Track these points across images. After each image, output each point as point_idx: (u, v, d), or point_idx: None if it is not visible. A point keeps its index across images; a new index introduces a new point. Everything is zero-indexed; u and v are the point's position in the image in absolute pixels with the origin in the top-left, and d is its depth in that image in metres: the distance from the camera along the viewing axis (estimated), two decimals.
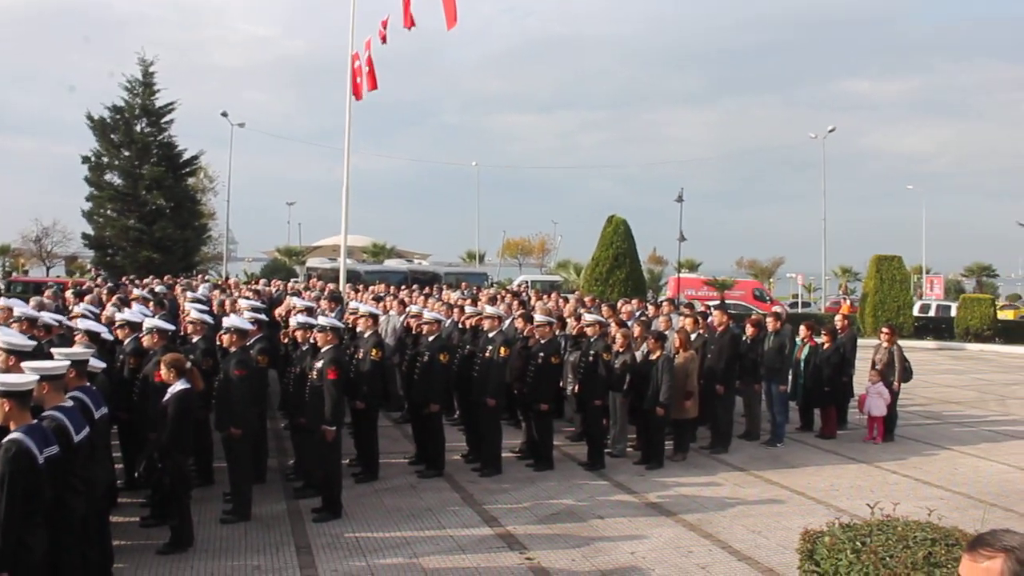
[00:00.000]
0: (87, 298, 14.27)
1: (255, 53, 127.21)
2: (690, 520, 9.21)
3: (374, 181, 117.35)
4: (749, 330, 13.42)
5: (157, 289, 16.60)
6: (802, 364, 14.01)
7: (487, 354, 10.95)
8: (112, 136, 42.70)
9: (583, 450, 11.81)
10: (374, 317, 10.82)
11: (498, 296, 19.03)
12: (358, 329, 10.90)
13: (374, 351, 10.18)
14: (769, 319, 13.94)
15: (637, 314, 15.50)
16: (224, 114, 46.88)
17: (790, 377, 13.80)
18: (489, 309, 11.91)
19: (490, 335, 11.15)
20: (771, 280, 61.69)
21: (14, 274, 43.61)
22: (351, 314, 11.99)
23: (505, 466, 11.06)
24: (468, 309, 13.10)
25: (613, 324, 12.41)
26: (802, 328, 14.36)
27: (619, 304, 17.50)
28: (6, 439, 5.05)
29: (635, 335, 12.31)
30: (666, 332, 12.69)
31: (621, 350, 11.80)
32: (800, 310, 46.67)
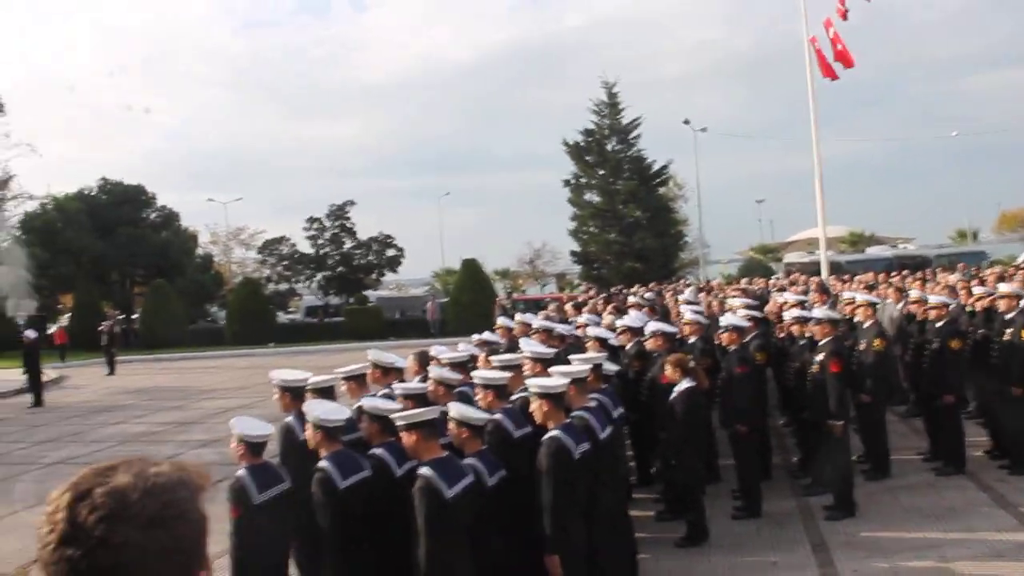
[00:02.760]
0: (585, 309, 15.26)
1: (701, 56, 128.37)
2: None
3: (842, 167, 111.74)
4: None
5: (646, 296, 17.32)
6: None
7: (1007, 337, 9.86)
8: (587, 158, 45.59)
9: None
10: (873, 306, 10.30)
11: (1005, 274, 17.16)
12: (856, 319, 10.44)
13: (877, 341, 9.67)
14: None
15: None
16: (686, 121, 47.92)
17: None
18: (1003, 287, 10.74)
19: (1007, 316, 10.04)
20: None
21: (514, 294, 48.12)
22: (847, 304, 11.52)
23: None
24: (976, 290, 11.93)
25: None
26: None
27: None
28: (547, 436, 5.54)
29: None
30: None
31: None
32: None
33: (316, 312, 46.18)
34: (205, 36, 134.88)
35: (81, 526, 1.19)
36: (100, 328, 32.45)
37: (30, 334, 23.86)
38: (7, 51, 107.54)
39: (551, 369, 6.45)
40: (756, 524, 8.56)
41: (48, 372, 24.40)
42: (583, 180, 46.01)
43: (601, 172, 45.32)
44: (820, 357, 8.70)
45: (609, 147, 45.44)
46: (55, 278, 44.33)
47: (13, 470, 14.02)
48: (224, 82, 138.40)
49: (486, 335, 10.27)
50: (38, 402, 22.40)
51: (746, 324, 9.49)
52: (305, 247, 50.01)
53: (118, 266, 47.49)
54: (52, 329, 39.69)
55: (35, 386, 22.66)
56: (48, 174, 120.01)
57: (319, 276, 50.03)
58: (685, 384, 7.87)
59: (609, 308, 14.39)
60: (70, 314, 44.75)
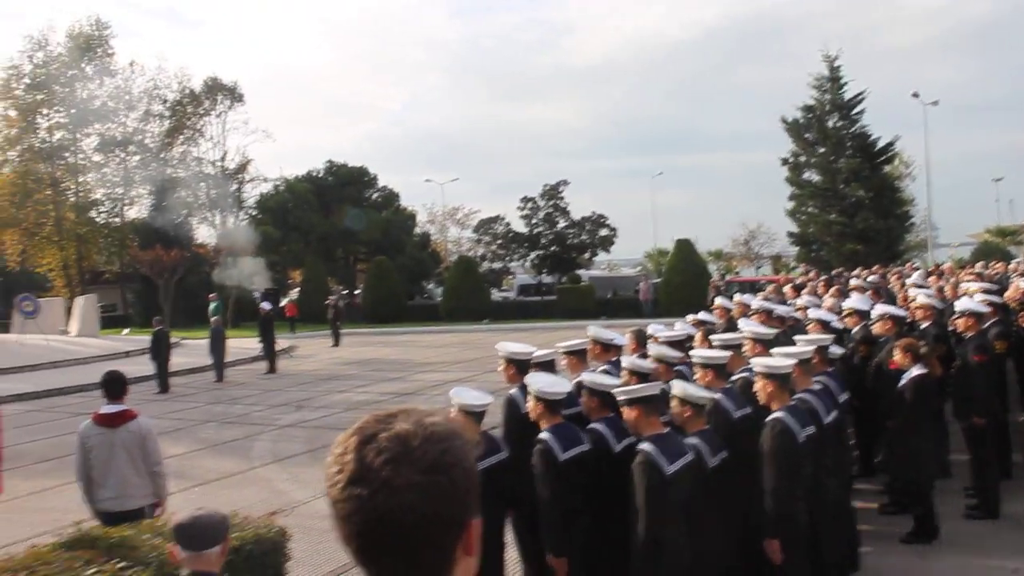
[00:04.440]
0: (804, 291, 14.76)
1: (930, 24, 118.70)
2: None
3: None
4: None
5: (870, 279, 16.55)
6: None
7: None
8: (806, 135, 43.89)
9: None
10: None
11: None
12: None
13: None
14: None
15: None
16: (915, 95, 45.09)
17: None
18: None
19: None
20: None
21: (727, 276, 47.12)
22: None
23: None
24: None
25: None
26: None
27: None
28: (771, 417, 5.40)
29: None
30: None
31: None
32: None
33: (529, 291, 46.97)
34: (421, 24, 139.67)
35: (369, 467, 1.26)
36: (326, 302, 34.43)
37: (266, 306, 25.64)
38: (247, 47, 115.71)
39: (775, 350, 6.27)
40: (993, 525, 7.99)
41: (280, 342, 26.11)
42: (802, 159, 44.36)
43: (821, 150, 43.52)
44: None
45: (830, 124, 43.50)
46: (286, 254, 47.37)
47: (252, 430, 15.13)
48: (440, 67, 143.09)
49: (702, 315, 10.11)
50: (272, 369, 24.10)
51: (985, 310, 8.85)
52: (519, 226, 51.04)
53: (342, 243, 50.11)
54: (283, 303, 42.51)
55: (269, 354, 24.40)
56: (281, 158, 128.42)
57: (532, 255, 50.90)
58: (915, 371, 7.46)
59: (832, 291, 13.82)
60: (299, 289, 47.76)
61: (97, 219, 51.68)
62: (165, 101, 52.55)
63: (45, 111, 49.47)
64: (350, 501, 1.26)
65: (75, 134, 50.22)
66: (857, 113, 43.37)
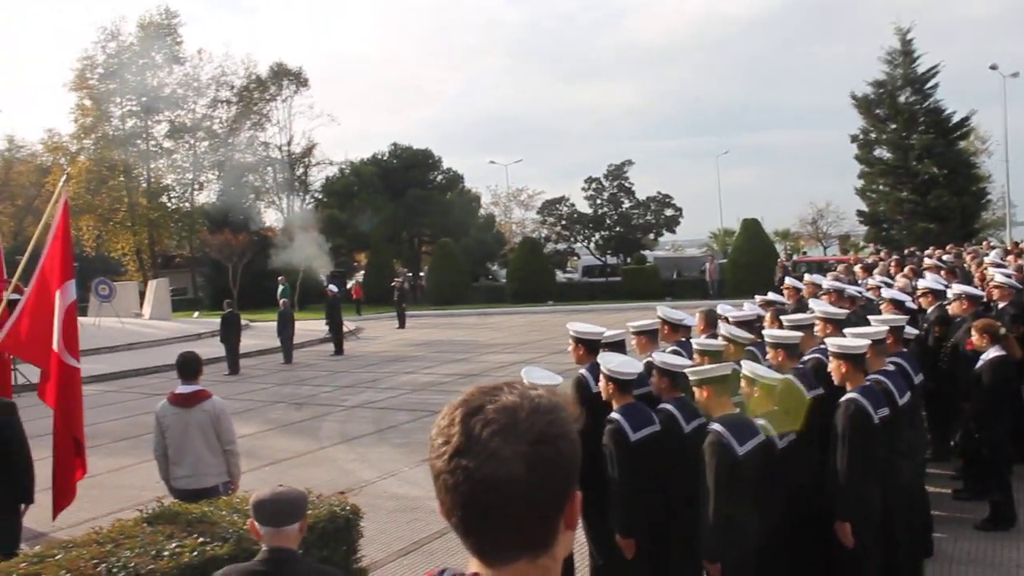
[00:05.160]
0: (875, 271, 14.49)
1: None
2: None
3: None
4: None
5: (944, 258, 16.18)
6: None
7: None
8: (877, 111, 42.82)
9: None
10: None
11: None
12: None
13: None
14: None
15: None
16: (993, 67, 43.62)
17: None
18: None
19: None
20: None
21: (794, 256, 46.35)
22: None
23: None
24: None
25: None
26: None
27: None
28: (845, 398, 5.32)
29: None
30: None
31: None
32: None
33: (594, 272, 46.79)
34: (480, 7, 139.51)
35: (476, 439, 1.27)
36: (392, 284, 34.75)
37: (333, 288, 26.00)
38: (308, 33, 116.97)
39: (847, 330, 6.16)
40: None
41: (346, 324, 26.44)
42: (872, 135, 43.33)
43: (893, 126, 42.40)
44: None
45: (902, 99, 42.35)
46: (351, 237, 47.85)
47: (320, 411, 15.38)
48: (500, 51, 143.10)
49: (771, 295, 10.00)
50: (339, 351, 24.44)
51: None
52: (583, 207, 50.78)
53: (407, 226, 50.44)
54: (349, 285, 43.00)
55: (337, 336, 24.72)
56: (345, 142, 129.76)
57: (597, 236, 50.65)
58: (993, 352, 7.27)
59: (905, 270, 13.53)
60: (364, 271, 48.24)
61: (168, 204, 52.93)
62: (232, 87, 53.54)
63: (118, 99, 50.74)
64: (456, 472, 1.26)
65: (146, 121, 51.43)
66: (931, 87, 42.18)
